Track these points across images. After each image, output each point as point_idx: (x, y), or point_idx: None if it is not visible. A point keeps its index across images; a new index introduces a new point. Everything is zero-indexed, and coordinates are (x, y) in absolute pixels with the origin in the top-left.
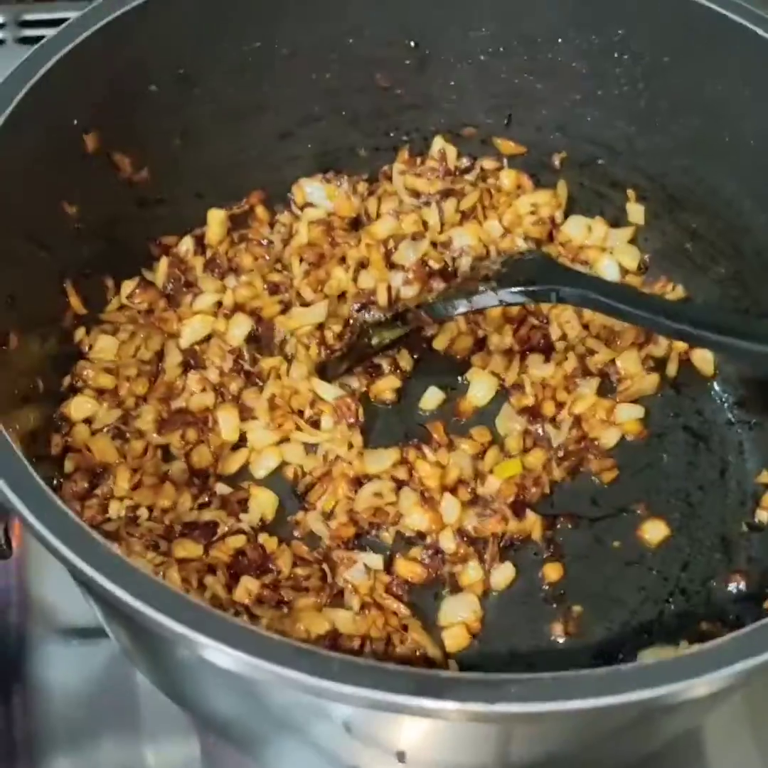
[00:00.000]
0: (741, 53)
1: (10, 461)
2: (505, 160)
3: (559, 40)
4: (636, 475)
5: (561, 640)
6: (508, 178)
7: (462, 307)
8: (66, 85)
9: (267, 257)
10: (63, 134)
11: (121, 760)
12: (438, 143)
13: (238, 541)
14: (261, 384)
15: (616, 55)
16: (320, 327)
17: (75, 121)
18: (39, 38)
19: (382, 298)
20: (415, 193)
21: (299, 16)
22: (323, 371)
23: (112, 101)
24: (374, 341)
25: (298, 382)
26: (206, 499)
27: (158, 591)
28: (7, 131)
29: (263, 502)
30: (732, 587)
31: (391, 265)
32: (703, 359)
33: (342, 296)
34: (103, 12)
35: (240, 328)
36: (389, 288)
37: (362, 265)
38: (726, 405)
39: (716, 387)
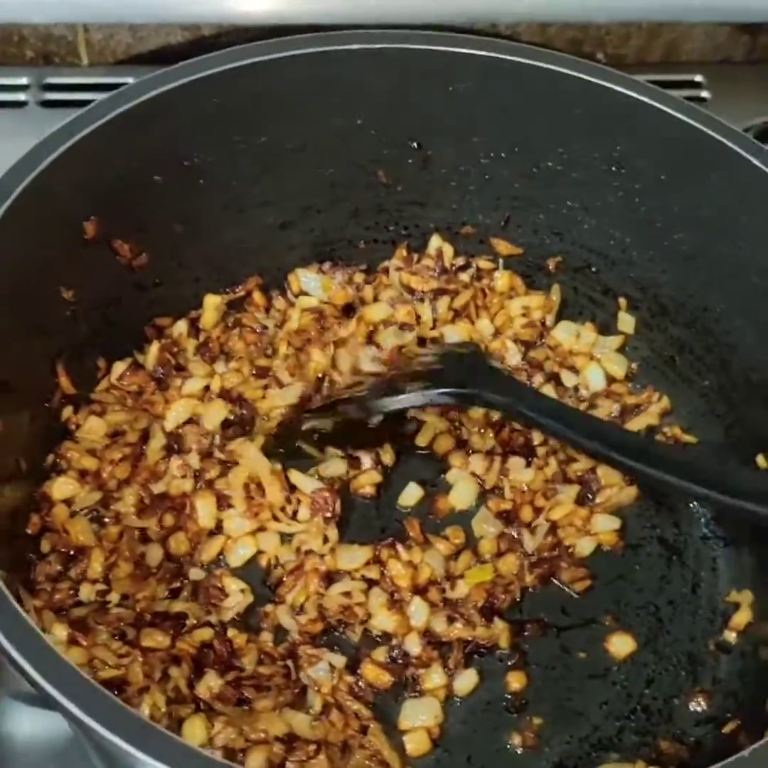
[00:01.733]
0: (737, 180)
1: None
2: (500, 261)
3: (560, 150)
4: (608, 585)
5: (519, 751)
6: (502, 279)
7: (392, 405)
8: (70, 175)
9: (259, 343)
10: (63, 221)
11: None
12: (435, 242)
13: (205, 634)
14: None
15: (614, 168)
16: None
17: (76, 209)
18: (60, 102)
19: (344, 365)
20: (410, 290)
21: (307, 114)
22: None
23: (115, 190)
24: (304, 426)
25: (259, 467)
26: (178, 584)
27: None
28: (8, 218)
29: (239, 597)
30: (694, 707)
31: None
32: None
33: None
34: (113, 104)
35: (217, 413)
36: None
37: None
38: (703, 519)
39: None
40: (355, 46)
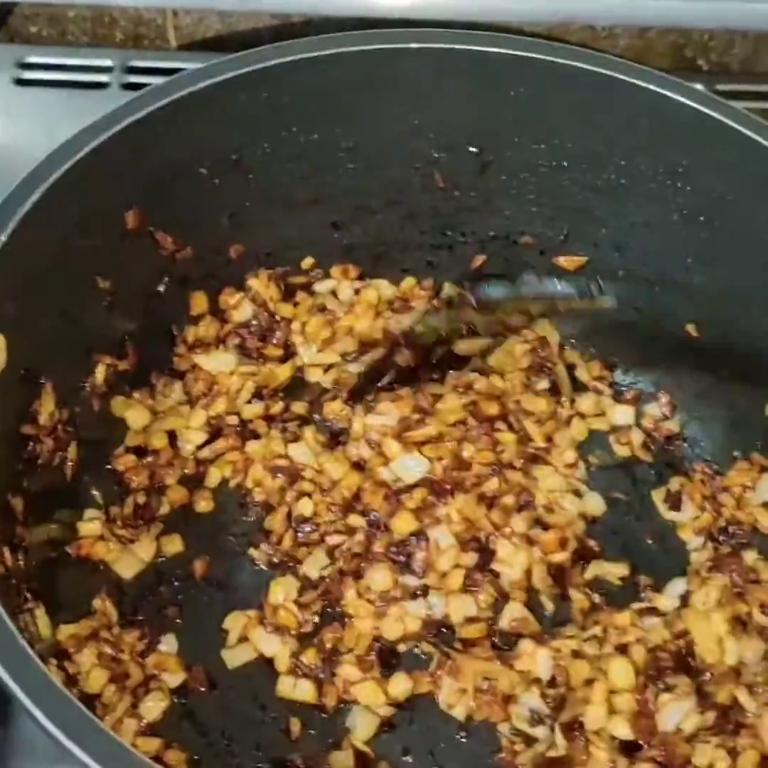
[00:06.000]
0: None
1: None
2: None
3: (623, 163)
4: None
5: None
6: None
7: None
8: (113, 163)
9: None
10: (103, 209)
11: None
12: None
13: None
14: None
15: (679, 184)
16: None
17: (117, 198)
18: (142, 85)
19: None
20: None
21: (361, 113)
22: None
23: (159, 181)
24: (418, 329)
25: None
26: None
27: None
28: (45, 202)
29: None
30: None
31: None
32: None
33: None
34: (161, 93)
35: None
36: None
37: None
38: None
39: None
40: (413, 45)
